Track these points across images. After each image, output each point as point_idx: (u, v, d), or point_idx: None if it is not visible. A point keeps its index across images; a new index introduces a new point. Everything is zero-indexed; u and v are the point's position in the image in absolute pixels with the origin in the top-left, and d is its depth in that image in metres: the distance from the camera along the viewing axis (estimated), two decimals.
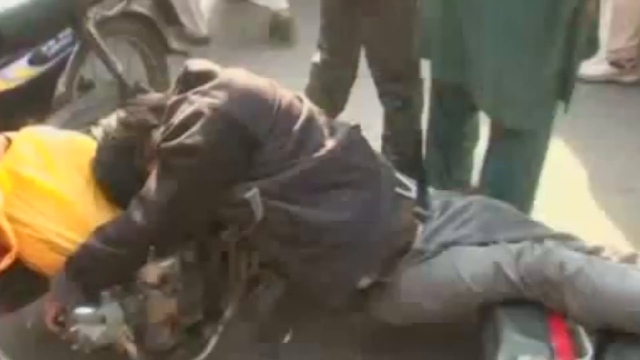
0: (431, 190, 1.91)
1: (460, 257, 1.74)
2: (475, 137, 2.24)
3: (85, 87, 2.55)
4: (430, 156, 2.21)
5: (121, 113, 1.83)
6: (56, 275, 1.72)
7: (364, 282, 1.77)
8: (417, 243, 1.77)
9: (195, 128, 1.67)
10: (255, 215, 1.70)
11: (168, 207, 1.68)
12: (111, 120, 1.83)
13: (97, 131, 1.84)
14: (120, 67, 2.49)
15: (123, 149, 1.79)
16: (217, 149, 1.67)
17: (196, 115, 1.68)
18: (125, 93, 2.33)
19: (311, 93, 2.35)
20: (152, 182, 1.71)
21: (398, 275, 1.76)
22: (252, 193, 1.69)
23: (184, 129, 1.68)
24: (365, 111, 2.49)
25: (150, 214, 1.68)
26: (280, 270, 1.86)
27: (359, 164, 1.81)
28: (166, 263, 1.74)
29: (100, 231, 1.72)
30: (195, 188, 1.69)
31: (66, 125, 2.20)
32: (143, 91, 2.29)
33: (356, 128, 1.89)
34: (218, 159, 1.68)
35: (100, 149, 1.83)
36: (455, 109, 2.06)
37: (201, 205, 1.72)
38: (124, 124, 1.81)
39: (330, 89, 2.44)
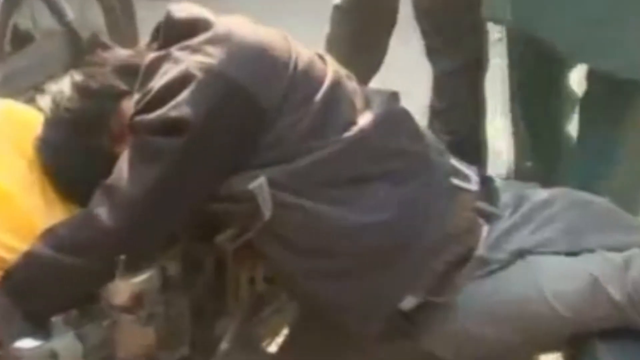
0: (499, 180, 1.88)
1: (542, 269, 1.71)
2: (562, 111, 2.17)
3: (21, 39, 2.49)
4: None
5: (76, 76, 1.78)
6: None
7: (408, 303, 1.73)
8: (481, 250, 1.73)
9: (182, 96, 1.63)
10: (261, 212, 1.67)
11: (145, 202, 1.65)
12: (63, 86, 1.79)
13: (44, 100, 1.80)
14: (70, 13, 2.40)
15: (80, 125, 1.75)
16: (212, 123, 1.64)
17: (184, 79, 1.65)
18: (77, 48, 2.26)
19: (333, 47, 2.27)
20: (122, 169, 1.67)
21: (454, 294, 1.73)
22: (258, 183, 1.66)
23: (167, 97, 1.64)
24: (405, 74, 2.43)
25: (121, 212, 1.65)
26: (292, 288, 1.83)
27: (402, 148, 1.78)
28: (141, 278, 1.70)
29: (50, 235, 1.68)
30: (182, 176, 1.66)
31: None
32: (103, 46, 2.22)
33: (395, 97, 1.85)
34: (213, 137, 1.65)
35: (48, 125, 1.78)
36: (534, 70, 1.97)
37: (190, 199, 1.69)
38: (81, 90, 1.76)
39: (360, 41, 2.37)
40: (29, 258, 1.67)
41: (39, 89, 2.14)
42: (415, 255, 1.71)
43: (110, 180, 1.68)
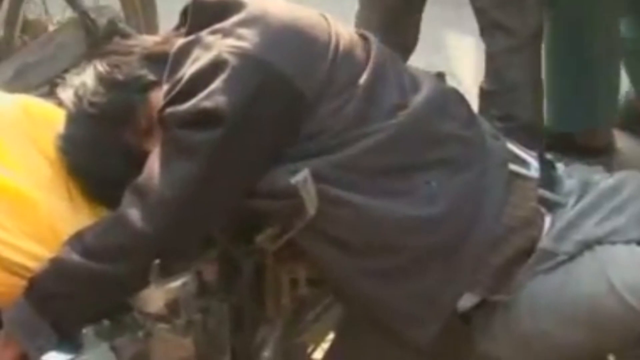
0: (561, 165, 1.85)
1: (612, 261, 1.67)
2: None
3: (33, 29, 2.46)
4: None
5: (100, 66, 1.76)
6: (13, 307, 1.67)
7: (466, 302, 1.71)
8: (545, 242, 1.71)
9: (215, 84, 1.61)
10: (305, 209, 1.64)
11: (180, 202, 1.63)
12: (85, 78, 1.76)
13: (65, 94, 1.78)
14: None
15: (107, 120, 1.73)
16: (249, 113, 1.62)
17: (216, 66, 1.62)
18: (94, 38, 2.22)
19: (363, 27, 2.24)
20: (153, 167, 1.65)
21: (517, 291, 1.70)
22: (302, 177, 1.63)
23: (199, 86, 1.62)
24: (446, 53, 2.39)
25: (154, 213, 1.63)
26: (341, 290, 1.81)
27: (455, 132, 1.76)
28: (176, 284, 1.70)
29: (78, 240, 1.66)
30: (219, 173, 1.63)
31: (11, 85, 2.17)
32: (122, 34, 2.21)
33: (442, 77, 1.85)
34: (251, 128, 1.63)
35: (71, 121, 1.76)
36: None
37: (228, 197, 1.68)
38: (106, 82, 1.74)
39: (390, 19, 2.33)
40: (55, 265, 1.65)
41: (54, 83, 2.14)
42: (472, 249, 1.69)
43: (140, 179, 1.66)
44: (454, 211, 1.69)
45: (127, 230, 1.64)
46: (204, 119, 1.60)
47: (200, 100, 1.61)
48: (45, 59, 2.29)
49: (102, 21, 2.36)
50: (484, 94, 2.41)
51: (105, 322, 1.68)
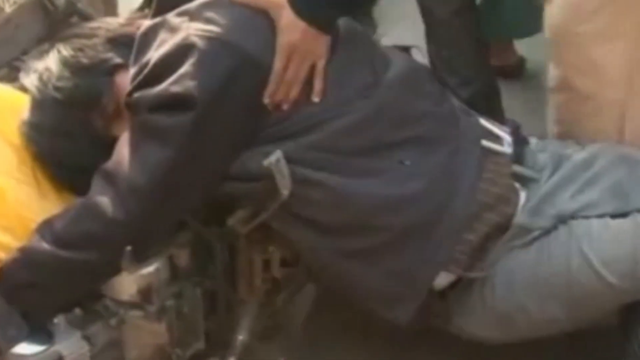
0: (533, 140, 1.85)
1: (587, 235, 1.67)
2: None
3: None
4: None
5: (64, 50, 1.74)
6: None
7: (442, 281, 1.71)
8: (520, 217, 1.71)
9: (184, 68, 1.59)
10: (279, 190, 1.63)
11: (152, 189, 1.61)
12: (49, 62, 1.74)
13: (29, 79, 1.75)
14: None
15: (73, 104, 1.70)
16: (219, 97, 1.60)
17: (184, 49, 1.60)
18: (53, 18, 2.17)
19: None
20: (123, 152, 1.63)
21: (492, 268, 1.70)
22: (275, 159, 1.62)
23: (167, 70, 1.60)
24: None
25: (126, 200, 1.61)
26: (316, 271, 1.82)
27: (427, 110, 1.76)
28: (148, 270, 1.69)
29: (47, 228, 1.64)
30: (191, 158, 1.62)
31: None
32: (81, 14, 2.17)
33: (408, 51, 1.84)
34: (222, 112, 1.61)
35: (36, 106, 1.74)
36: None
37: (201, 181, 1.66)
38: (71, 66, 1.71)
39: None
40: (24, 254, 1.64)
41: (12, 65, 2.10)
42: (448, 227, 1.68)
43: (110, 165, 1.64)
44: (429, 190, 1.69)
45: (97, 218, 1.62)
46: (174, 103, 1.58)
47: (170, 84, 1.59)
48: (3, 41, 2.22)
49: (60, 1, 2.30)
50: (435, 62, 2.45)
51: (77, 311, 1.67)
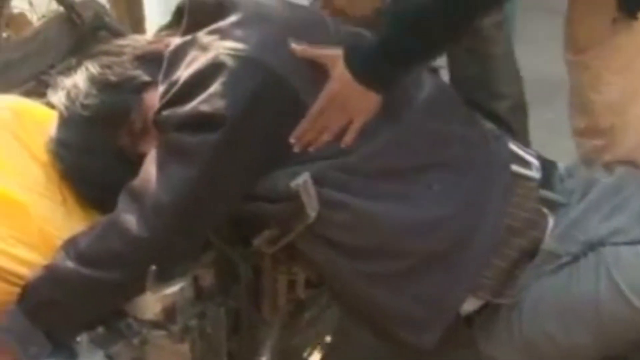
0: (561, 165, 1.83)
1: (616, 262, 1.65)
2: None
3: (17, 23, 2.42)
4: None
5: (91, 68, 1.74)
6: (6, 315, 1.65)
7: (469, 306, 1.71)
8: (548, 243, 1.70)
9: (213, 87, 1.59)
10: (306, 211, 1.62)
11: (177, 207, 1.61)
12: (77, 79, 1.74)
13: (57, 96, 1.76)
14: None
15: (100, 122, 1.71)
16: (248, 117, 1.60)
17: (214, 68, 1.60)
18: (80, 31, 2.19)
19: None
20: (149, 171, 1.63)
21: (520, 294, 1.69)
22: (302, 180, 1.61)
23: (196, 89, 1.60)
24: None
25: (151, 218, 1.61)
26: (341, 294, 1.79)
27: (456, 133, 1.75)
28: (172, 289, 1.68)
29: (72, 246, 1.65)
30: (217, 177, 1.62)
31: None
32: (109, 28, 2.18)
33: (436, 72, 1.84)
34: (250, 132, 1.61)
35: (64, 124, 1.74)
36: None
37: (226, 201, 1.66)
38: (98, 83, 1.72)
39: None
40: (48, 272, 1.64)
41: (39, 79, 2.11)
42: (475, 252, 1.67)
43: (136, 183, 1.64)
44: (456, 214, 1.68)
45: (122, 236, 1.62)
46: (202, 122, 1.58)
47: (199, 103, 1.58)
48: (30, 55, 2.24)
49: (88, 15, 2.31)
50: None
51: (100, 330, 1.67)
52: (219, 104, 1.57)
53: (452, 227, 1.67)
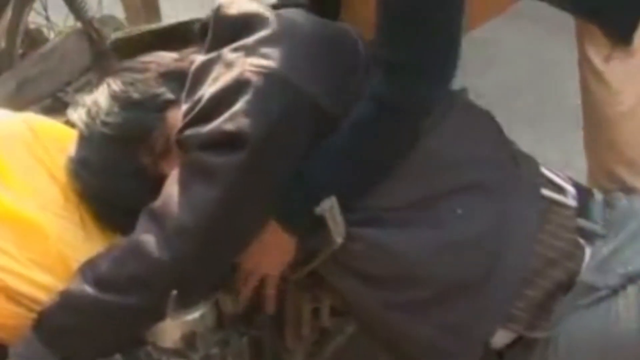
0: (597, 193, 1.79)
1: None
2: None
3: (34, 38, 2.42)
4: None
5: (114, 85, 1.72)
6: (21, 341, 1.62)
7: (501, 339, 1.68)
8: (585, 275, 1.67)
9: (238, 105, 1.56)
10: (332, 238, 1.60)
11: (200, 230, 1.58)
12: (99, 97, 1.72)
13: (77, 114, 1.73)
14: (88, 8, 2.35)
15: (122, 140, 1.68)
16: (274, 136, 1.57)
17: (239, 85, 1.57)
18: (99, 48, 2.18)
19: None
20: (171, 191, 1.60)
21: (555, 328, 1.66)
22: (328, 205, 1.59)
23: (220, 107, 1.57)
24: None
25: (172, 240, 1.58)
26: (363, 323, 1.78)
27: (485, 155, 1.72)
28: (193, 316, 1.67)
29: (90, 269, 1.62)
30: (241, 199, 1.58)
31: (13, 99, 2.15)
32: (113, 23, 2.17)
33: (465, 92, 1.80)
34: (276, 151, 1.59)
35: (84, 142, 1.72)
36: None
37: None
38: (121, 101, 1.69)
39: None
40: (65, 297, 1.61)
41: (56, 96, 2.10)
42: (502, 280, 1.64)
43: (157, 204, 1.61)
44: (481, 239, 1.65)
45: (142, 259, 1.58)
46: (226, 141, 1.56)
47: (223, 122, 1.56)
48: (48, 72, 2.26)
49: (106, 31, 2.32)
50: None
51: (118, 357, 1.64)
52: (244, 122, 1.54)
53: (477, 252, 1.64)
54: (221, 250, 1.63)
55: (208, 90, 1.60)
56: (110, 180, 1.69)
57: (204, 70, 1.64)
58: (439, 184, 1.66)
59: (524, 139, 1.87)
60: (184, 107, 1.64)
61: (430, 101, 1.63)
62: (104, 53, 2.22)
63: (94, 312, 1.60)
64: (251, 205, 1.60)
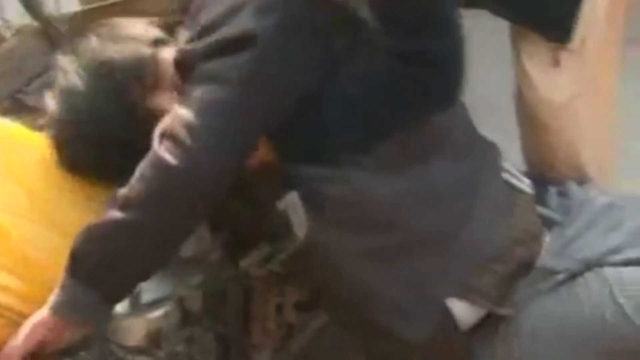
0: (552, 186, 1.84)
1: (617, 281, 1.65)
2: None
3: None
4: None
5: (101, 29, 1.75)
6: (59, 291, 1.58)
7: (469, 316, 1.69)
8: (545, 259, 1.70)
9: (241, 14, 1.57)
10: (294, 233, 1.63)
11: (210, 128, 1.55)
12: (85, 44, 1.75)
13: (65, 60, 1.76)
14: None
15: (114, 74, 1.70)
16: (282, 31, 1.57)
17: (240, 3, 1.58)
18: (58, 46, 2.15)
19: None
20: (179, 108, 1.58)
21: (519, 309, 1.69)
22: (290, 200, 1.62)
23: (225, 19, 1.58)
24: None
25: (184, 143, 1.54)
26: (335, 283, 1.73)
27: (455, 122, 1.75)
28: (157, 314, 1.69)
29: (112, 198, 1.58)
30: (252, 97, 1.56)
31: None
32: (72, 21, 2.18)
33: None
34: (286, 49, 1.58)
35: (68, 92, 1.73)
36: None
37: (260, 126, 1.61)
38: (114, 36, 1.74)
39: None
40: (90, 230, 1.58)
41: (15, 98, 2.08)
42: (465, 244, 1.67)
43: (166, 122, 1.59)
44: (451, 195, 1.68)
45: (157, 168, 1.56)
46: (233, 45, 1.55)
47: (227, 30, 1.56)
48: (5, 73, 2.21)
49: (66, 29, 2.29)
50: None
51: (83, 354, 1.65)
52: (249, 24, 1.55)
53: (446, 208, 1.67)
54: (233, 152, 1.59)
55: (212, 11, 1.61)
56: (100, 120, 1.68)
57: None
58: (423, 140, 1.69)
59: None
60: (186, 34, 1.66)
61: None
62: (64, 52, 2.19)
63: (119, 235, 1.57)
64: (261, 106, 1.59)
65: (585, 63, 1.92)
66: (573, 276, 1.68)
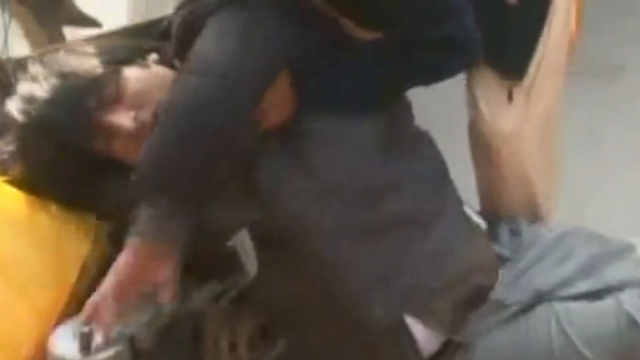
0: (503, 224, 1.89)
1: (568, 316, 1.69)
2: None
3: None
4: None
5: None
6: (139, 221, 1.52)
7: (429, 344, 1.70)
8: (496, 292, 1.73)
9: None
10: (245, 270, 1.66)
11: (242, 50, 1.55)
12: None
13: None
14: None
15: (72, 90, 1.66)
16: None
17: None
18: (8, 92, 2.13)
19: None
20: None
21: (473, 340, 1.71)
22: (240, 238, 1.64)
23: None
24: None
25: (200, 67, 1.55)
26: (301, 267, 1.70)
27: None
28: (107, 354, 1.62)
29: (159, 117, 1.55)
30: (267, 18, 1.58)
31: None
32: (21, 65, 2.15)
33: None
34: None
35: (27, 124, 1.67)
36: None
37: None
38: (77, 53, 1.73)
39: None
40: (151, 145, 1.54)
41: None
42: (432, 244, 1.69)
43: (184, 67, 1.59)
44: (424, 190, 1.72)
45: (187, 87, 1.55)
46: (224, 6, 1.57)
47: None
48: None
49: (7, 66, 2.27)
50: None
51: None
52: None
53: (419, 203, 1.70)
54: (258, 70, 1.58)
55: None
56: (58, 128, 1.64)
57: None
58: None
59: None
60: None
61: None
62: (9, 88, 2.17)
63: (199, 139, 1.54)
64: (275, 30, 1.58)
65: (534, 95, 1.96)
66: (524, 310, 1.70)
